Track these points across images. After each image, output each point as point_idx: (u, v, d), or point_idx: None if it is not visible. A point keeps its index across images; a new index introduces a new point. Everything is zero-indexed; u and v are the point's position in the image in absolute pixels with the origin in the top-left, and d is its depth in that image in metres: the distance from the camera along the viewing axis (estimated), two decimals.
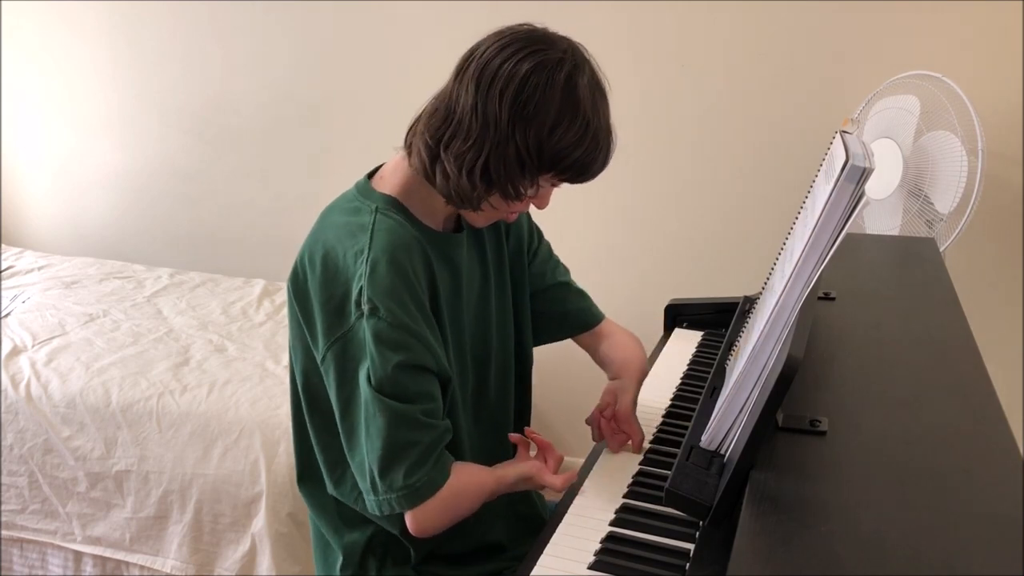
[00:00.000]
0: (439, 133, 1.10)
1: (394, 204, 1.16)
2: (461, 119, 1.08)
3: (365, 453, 1.09)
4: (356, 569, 1.26)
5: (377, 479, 1.09)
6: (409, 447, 1.08)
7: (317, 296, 1.11)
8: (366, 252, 1.08)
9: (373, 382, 1.07)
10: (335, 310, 1.09)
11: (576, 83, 1.07)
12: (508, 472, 1.19)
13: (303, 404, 1.20)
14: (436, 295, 1.16)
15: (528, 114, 1.05)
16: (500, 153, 1.07)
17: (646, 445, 1.31)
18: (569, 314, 1.42)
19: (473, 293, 1.27)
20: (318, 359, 1.12)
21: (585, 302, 1.44)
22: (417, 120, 1.14)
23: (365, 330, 1.07)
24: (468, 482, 1.14)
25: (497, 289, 1.31)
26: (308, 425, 1.21)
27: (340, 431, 1.13)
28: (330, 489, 1.22)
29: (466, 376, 1.26)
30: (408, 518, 1.11)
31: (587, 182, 1.15)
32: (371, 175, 1.22)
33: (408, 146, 1.15)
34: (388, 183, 1.18)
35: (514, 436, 1.25)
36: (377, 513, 1.11)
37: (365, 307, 1.06)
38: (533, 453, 1.26)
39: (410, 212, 1.17)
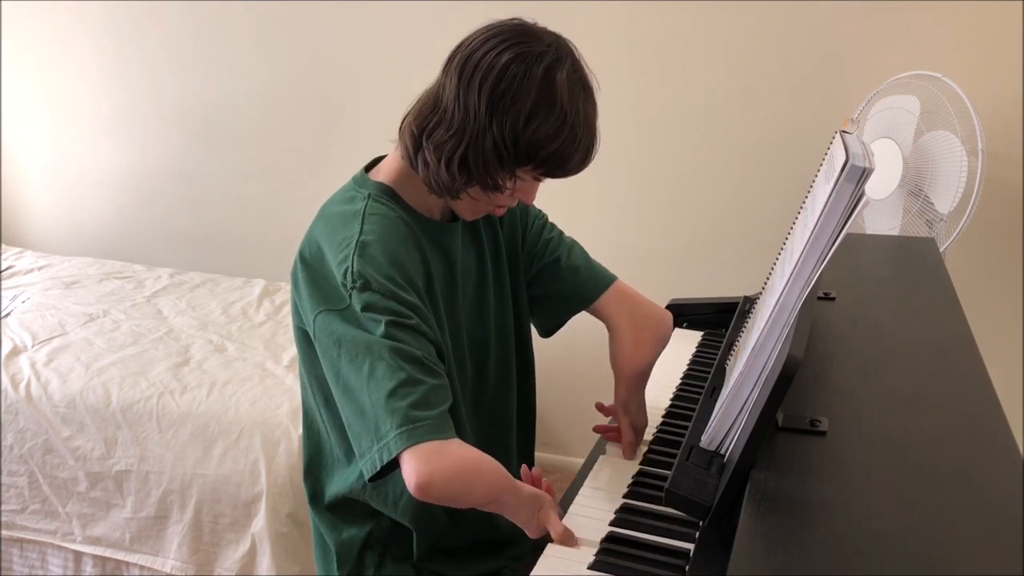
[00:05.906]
0: (424, 122, 1.11)
1: (387, 192, 1.18)
2: (445, 109, 1.09)
3: (368, 397, 1.03)
4: (353, 566, 1.27)
5: (380, 418, 1.02)
6: (415, 383, 1.03)
7: (308, 282, 1.13)
8: (356, 236, 1.10)
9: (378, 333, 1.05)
10: (323, 291, 1.11)
11: (554, 76, 1.06)
12: (525, 487, 1.13)
13: (314, 390, 1.21)
14: (431, 281, 1.17)
15: (505, 105, 1.06)
16: (478, 144, 1.07)
17: (643, 447, 1.30)
18: (561, 295, 1.36)
19: (469, 284, 1.27)
20: (311, 335, 1.13)
21: (579, 277, 1.35)
22: (409, 110, 1.15)
23: (356, 307, 1.06)
24: (492, 466, 1.08)
25: (495, 281, 1.31)
26: (323, 411, 1.21)
27: (337, 400, 1.09)
28: (344, 472, 1.22)
29: (464, 367, 1.26)
30: (411, 467, 1.00)
31: (566, 177, 1.14)
32: (369, 167, 1.24)
33: (401, 136, 1.17)
34: (384, 172, 1.20)
35: (532, 472, 1.20)
36: (377, 466, 1.02)
37: (357, 283, 1.06)
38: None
39: (403, 200, 1.18)
